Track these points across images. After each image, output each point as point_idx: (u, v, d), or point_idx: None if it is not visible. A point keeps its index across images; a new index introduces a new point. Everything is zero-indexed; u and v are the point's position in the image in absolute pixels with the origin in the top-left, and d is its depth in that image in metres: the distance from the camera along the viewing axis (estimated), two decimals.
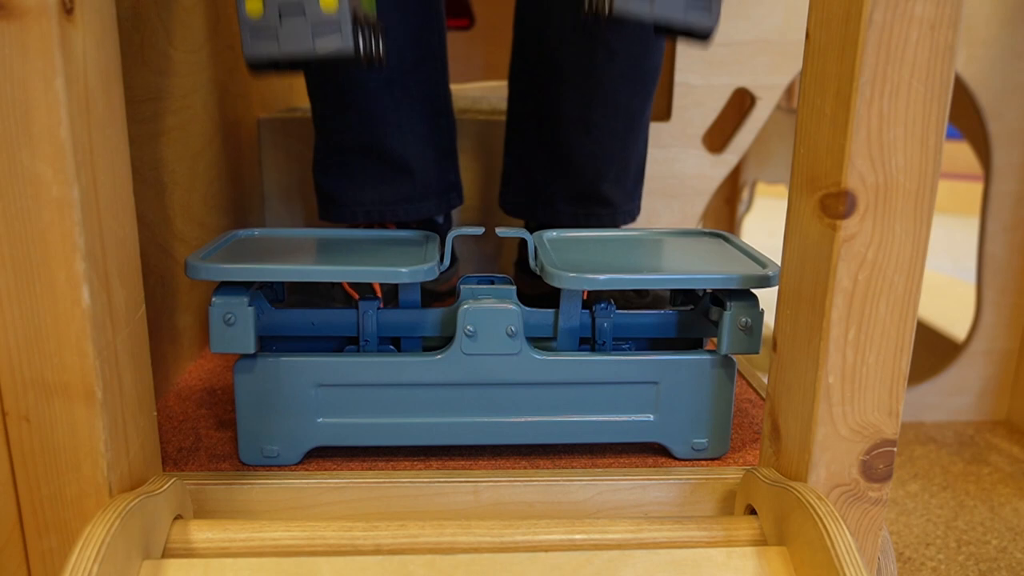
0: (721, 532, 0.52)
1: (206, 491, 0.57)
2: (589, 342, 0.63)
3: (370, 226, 0.83)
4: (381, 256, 0.61)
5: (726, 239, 0.69)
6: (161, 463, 0.58)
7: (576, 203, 0.83)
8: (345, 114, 0.77)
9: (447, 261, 0.61)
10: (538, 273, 0.60)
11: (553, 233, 0.70)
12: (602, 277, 0.57)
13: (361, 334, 0.62)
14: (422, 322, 0.62)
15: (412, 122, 0.79)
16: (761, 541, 0.51)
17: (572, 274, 0.57)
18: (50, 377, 0.47)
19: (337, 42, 0.54)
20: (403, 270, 0.57)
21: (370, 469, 0.60)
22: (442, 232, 0.90)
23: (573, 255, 0.63)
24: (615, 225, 0.84)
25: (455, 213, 1.05)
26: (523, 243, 0.98)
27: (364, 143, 0.78)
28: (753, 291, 0.60)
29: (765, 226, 2.62)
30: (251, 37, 0.54)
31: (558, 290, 0.61)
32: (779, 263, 0.55)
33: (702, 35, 0.53)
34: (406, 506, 0.58)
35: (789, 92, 1.79)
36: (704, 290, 0.63)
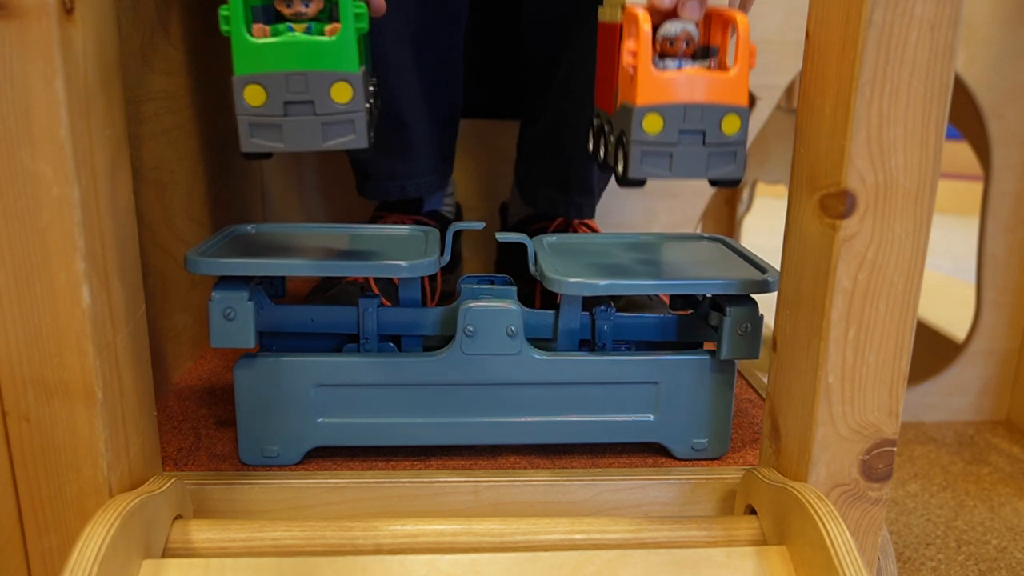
0: (721, 532, 0.52)
1: (206, 491, 0.57)
2: (589, 344, 0.63)
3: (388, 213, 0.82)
4: (381, 251, 0.61)
5: (725, 243, 0.69)
6: (161, 463, 0.58)
7: (557, 187, 0.83)
8: None
9: (447, 256, 0.61)
10: (538, 278, 0.60)
11: (552, 238, 0.70)
12: (602, 283, 0.57)
13: (361, 332, 0.62)
14: (422, 321, 0.62)
15: (409, 84, 0.76)
16: (761, 541, 0.51)
17: (572, 279, 0.57)
18: (50, 377, 0.47)
19: (349, 139, 0.49)
20: (403, 264, 0.57)
21: (370, 469, 0.60)
22: (447, 224, 0.91)
23: (572, 260, 0.63)
24: (582, 217, 0.85)
25: (464, 212, 1.05)
26: (501, 220, 0.99)
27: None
28: (752, 296, 0.60)
29: (765, 226, 2.62)
30: (250, 129, 0.49)
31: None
32: (779, 264, 0.55)
33: (729, 185, 0.52)
34: (406, 506, 0.58)
35: (789, 92, 1.79)
36: (704, 295, 0.63)
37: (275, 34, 0.48)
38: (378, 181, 0.83)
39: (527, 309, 0.61)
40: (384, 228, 0.69)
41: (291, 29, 0.49)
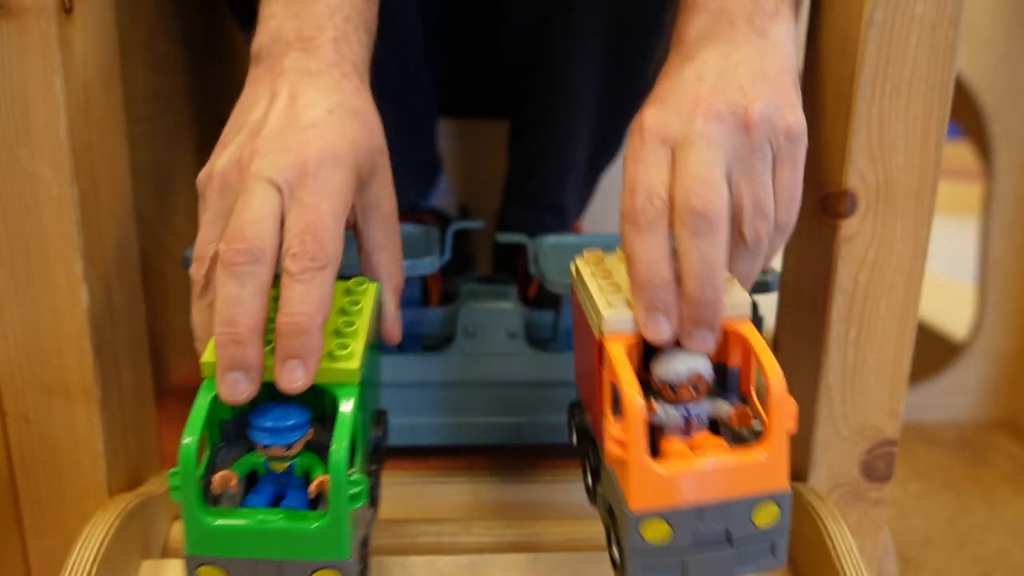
0: None
1: None
2: None
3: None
4: None
5: None
6: (161, 463, 0.58)
7: (525, 202, 0.80)
8: None
9: (447, 254, 0.60)
10: (538, 279, 0.60)
11: (553, 239, 0.69)
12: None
13: None
14: (422, 321, 0.62)
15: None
16: None
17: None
18: (49, 377, 0.47)
19: None
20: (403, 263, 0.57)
21: None
22: (445, 220, 0.90)
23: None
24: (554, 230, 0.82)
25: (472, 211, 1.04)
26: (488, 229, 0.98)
27: None
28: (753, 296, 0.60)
29: None
30: None
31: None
32: (779, 264, 0.55)
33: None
34: (406, 506, 0.58)
35: None
36: None
37: (246, 470, 0.38)
38: None
39: (527, 309, 0.61)
40: None
41: (268, 467, 0.38)
